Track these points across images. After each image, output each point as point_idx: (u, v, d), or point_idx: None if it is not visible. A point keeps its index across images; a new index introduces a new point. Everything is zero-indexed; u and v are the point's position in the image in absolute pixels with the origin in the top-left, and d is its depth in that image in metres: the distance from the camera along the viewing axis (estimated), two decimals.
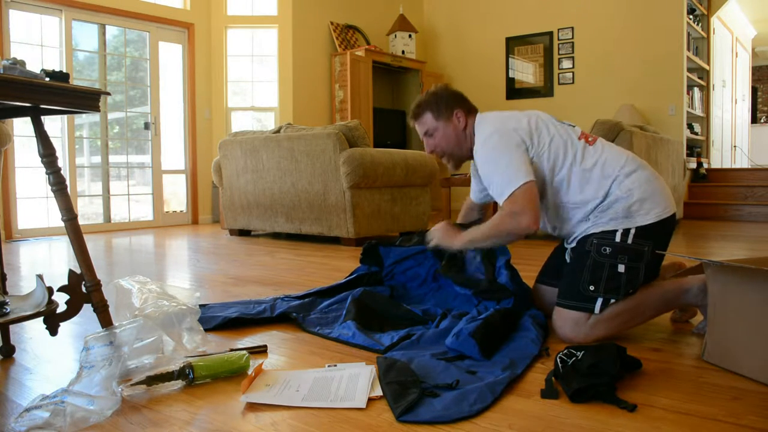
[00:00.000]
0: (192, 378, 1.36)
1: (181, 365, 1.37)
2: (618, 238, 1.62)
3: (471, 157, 1.90)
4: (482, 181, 1.85)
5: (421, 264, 2.24)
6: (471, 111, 1.90)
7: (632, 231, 1.63)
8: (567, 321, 1.64)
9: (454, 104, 1.88)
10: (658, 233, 1.66)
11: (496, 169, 1.71)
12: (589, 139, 1.78)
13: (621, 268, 1.61)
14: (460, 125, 1.87)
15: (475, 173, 2.02)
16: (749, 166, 8.11)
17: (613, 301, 1.61)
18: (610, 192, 1.68)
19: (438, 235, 1.92)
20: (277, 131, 4.39)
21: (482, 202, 2.11)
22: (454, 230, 1.90)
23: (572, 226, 1.75)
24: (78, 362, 1.58)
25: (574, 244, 1.75)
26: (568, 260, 1.82)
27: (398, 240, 2.23)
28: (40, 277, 1.55)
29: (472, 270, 2.03)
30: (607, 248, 1.62)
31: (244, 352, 1.51)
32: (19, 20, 4.84)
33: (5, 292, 1.64)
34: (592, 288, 1.61)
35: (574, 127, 1.83)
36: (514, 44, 7.11)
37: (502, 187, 1.67)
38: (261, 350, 1.63)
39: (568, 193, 1.72)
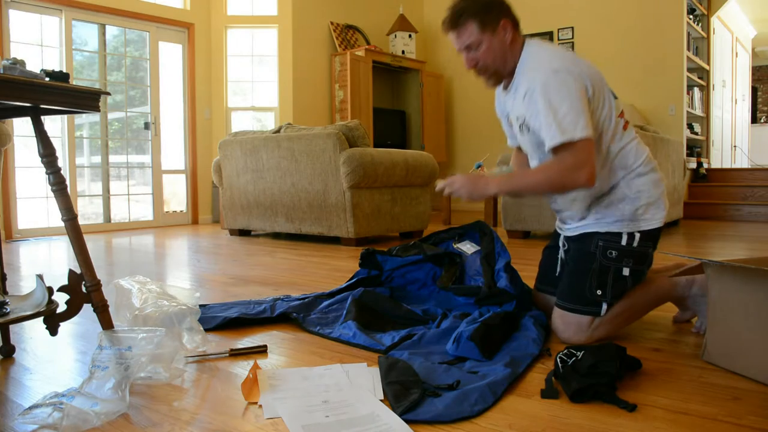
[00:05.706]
0: None
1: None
2: (624, 242, 1.61)
3: (511, 76, 1.67)
4: (525, 119, 1.62)
5: (420, 268, 2.24)
6: (517, 24, 1.66)
7: (637, 236, 1.62)
8: (570, 325, 1.63)
9: (501, 13, 1.64)
10: (659, 235, 1.67)
11: (558, 108, 1.49)
12: (626, 120, 1.66)
13: (626, 271, 1.61)
14: (507, 38, 1.63)
15: (506, 117, 1.80)
16: (749, 166, 8.10)
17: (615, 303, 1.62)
18: (617, 185, 1.62)
19: (464, 187, 1.63)
20: (277, 131, 4.39)
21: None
22: (483, 177, 1.66)
23: (570, 207, 1.69)
24: (79, 362, 1.58)
25: (570, 234, 1.72)
26: (563, 257, 1.79)
27: (395, 249, 2.17)
28: (40, 277, 1.55)
29: (471, 273, 2.03)
30: (613, 252, 1.61)
31: None
32: (19, 20, 4.84)
33: (5, 292, 1.64)
34: (599, 292, 1.61)
35: (616, 99, 1.67)
36: None
37: (561, 131, 1.49)
38: (261, 350, 1.63)
39: None
